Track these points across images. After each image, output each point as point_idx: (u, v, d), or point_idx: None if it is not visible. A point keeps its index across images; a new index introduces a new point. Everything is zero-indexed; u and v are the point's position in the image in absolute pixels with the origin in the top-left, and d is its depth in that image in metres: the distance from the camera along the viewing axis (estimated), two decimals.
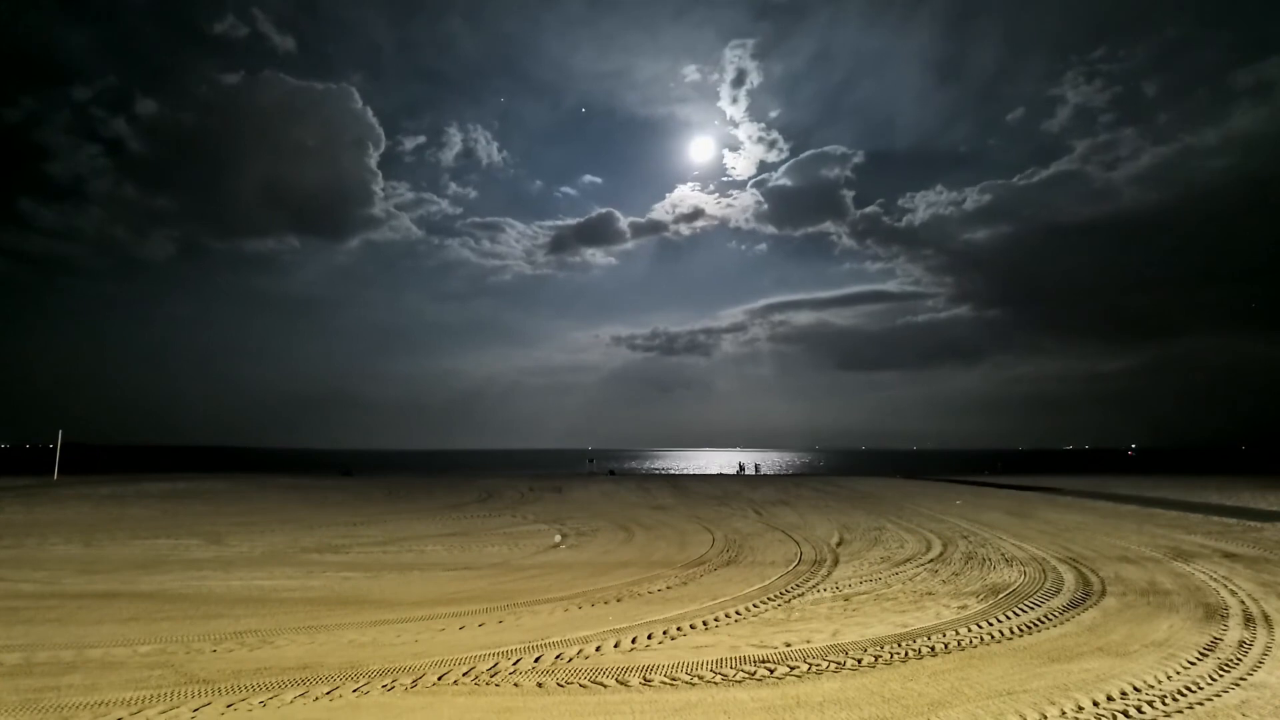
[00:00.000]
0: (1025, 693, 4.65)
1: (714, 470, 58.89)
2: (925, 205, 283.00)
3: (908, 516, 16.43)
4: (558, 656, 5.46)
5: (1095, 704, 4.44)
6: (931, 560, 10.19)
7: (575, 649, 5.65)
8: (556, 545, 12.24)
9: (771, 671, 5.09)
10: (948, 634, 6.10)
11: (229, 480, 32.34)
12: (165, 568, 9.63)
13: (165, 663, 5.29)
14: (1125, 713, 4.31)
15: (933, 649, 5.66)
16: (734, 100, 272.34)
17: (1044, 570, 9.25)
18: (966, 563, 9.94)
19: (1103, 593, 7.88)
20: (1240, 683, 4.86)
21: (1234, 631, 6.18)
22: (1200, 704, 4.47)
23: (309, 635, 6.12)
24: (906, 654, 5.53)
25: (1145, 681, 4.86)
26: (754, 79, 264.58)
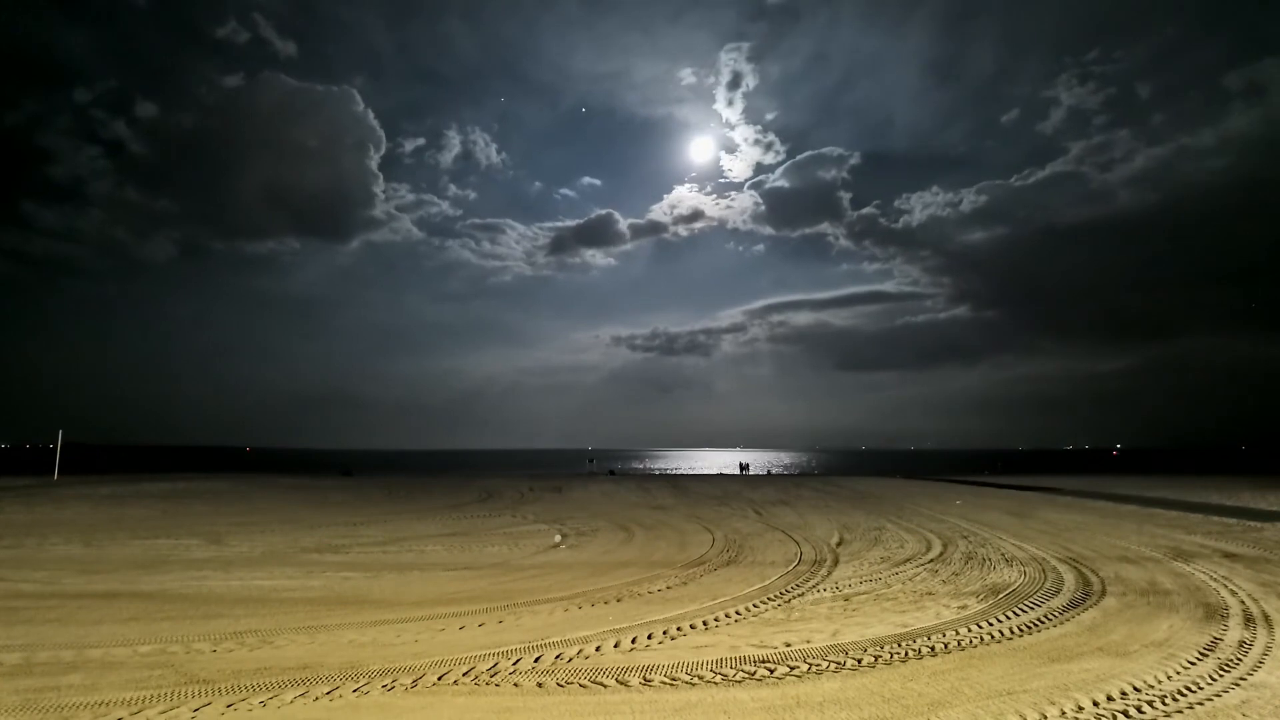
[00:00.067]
0: (1025, 693, 4.65)
1: (714, 470, 58.88)
2: (921, 206, 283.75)
3: (907, 516, 16.43)
4: (558, 656, 5.46)
5: (1095, 704, 4.44)
6: (931, 560, 10.19)
7: (575, 649, 5.65)
8: (556, 545, 12.24)
9: (771, 671, 5.09)
10: (948, 634, 6.10)
11: (229, 480, 32.34)
12: (165, 568, 9.62)
13: (165, 663, 5.29)
14: (1125, 713, 4.31)
15: (933, 649, 5.66)
16: (730, 103, 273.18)
17: (1044, 570, 9.25)
18: (966, 563, 9.94)
19: (1103, 593, 7.88)
20: (1240, 683, 4.86)
21: (1234, 631, 6.18)
22: (1200, 704, 4.47)
23: (309, 635, 6.11)
24: (906, 654, 5.53)
25: (1145, 681, 4.86)
26: (750, 81, 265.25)
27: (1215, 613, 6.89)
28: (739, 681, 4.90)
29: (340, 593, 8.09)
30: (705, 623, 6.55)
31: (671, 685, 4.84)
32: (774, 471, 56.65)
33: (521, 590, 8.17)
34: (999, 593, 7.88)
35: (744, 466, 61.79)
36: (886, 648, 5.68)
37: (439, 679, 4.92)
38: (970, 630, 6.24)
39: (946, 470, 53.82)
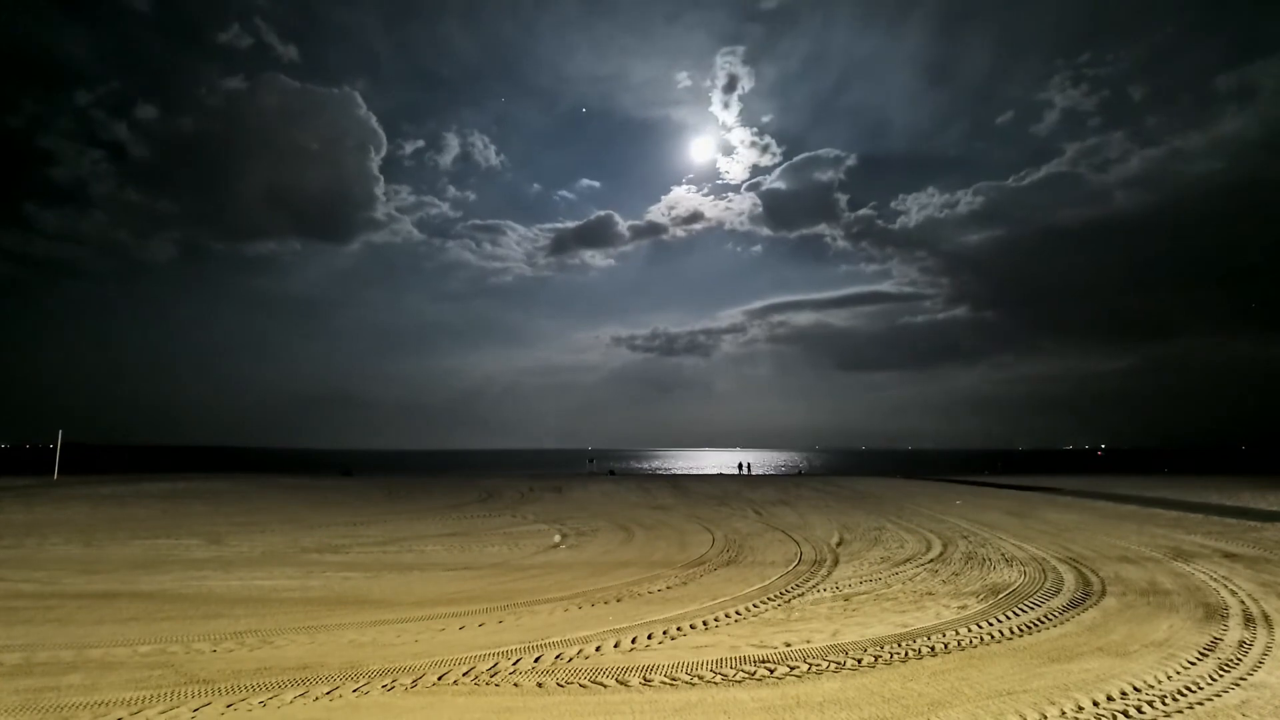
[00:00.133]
0: (1025, 693, 4.65)
1: (714, 470, 58.87)
2: (918, 208, 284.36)
3: (908, 516, 16.43)
4: (558, 656, 5.46)
5: (1095, 704, 4.44)
6: (931, 560, 10.19)
7: (575, 649, 5.65)
8: (556, 545, 12.23)
9: (771, 671, 5.08)
10: (948, 634, 6.10)
11: (229, 480, 32.34)
12: (165, 568, 9.62)
13: (165, 663, 5.29)
14: (1125, 713, 4.31)
15: (933, 649, 5.66)
16: (726, 106, 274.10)
17: (1044, 570, 9.25)
18: (966, 563, 9.94)
19: (1103, 593, 7.88)
20: (1240, 683, 4.86)
21: (1234, 631, 6.18)
22: (1200, 704, 4.47)
23: (309, 635, 6.11)
24: (906, 654, 5.53)
25: (1145, 681, 4.86)
26: (745, 84, 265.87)
27: (1215, 613, 6.89)
28: (739, 681, 4.90)
29: (340, 593, 8.09)
30: (705, 623, 6.55)
31: (671, 685, 4.84)
32: (754, 469, 56.66)
33: (521, 590, 8.17)
34: (999, 593, 7.88)
35: (745, 466, 61.74)
36: (886, 648, 5.68)
37: (439, 679, 4.92)
38: (970, 630, 6.24)
39: (946, 470, 53.82)
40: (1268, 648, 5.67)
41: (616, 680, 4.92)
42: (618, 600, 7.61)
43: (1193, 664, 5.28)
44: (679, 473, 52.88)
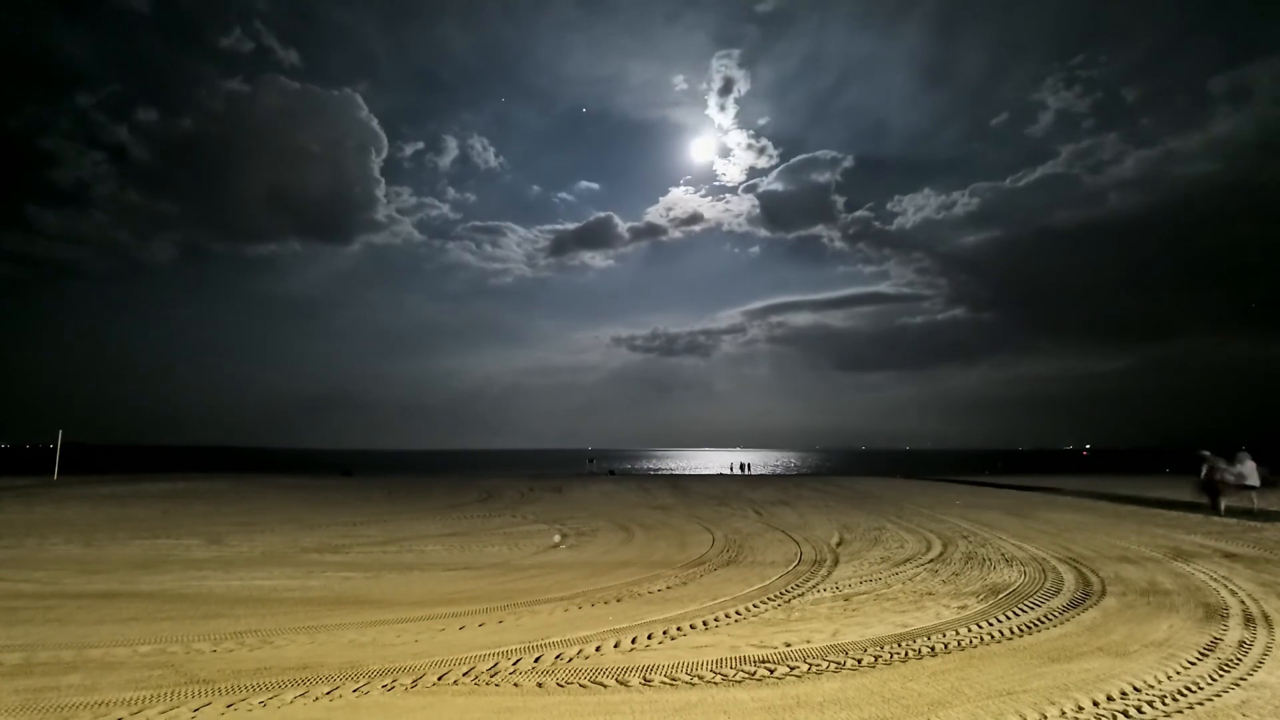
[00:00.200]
0: (1025, 693, 4.65)
1: (714, 470, 58.87)
2: (914, 209, 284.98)
3: (908, 516, 16.43)
4: (558, 656, 5.45)
5: (1095, 704, 4.44)
6: (931, 560, 10.19)
7: (575, 649, 5.65)
8: (556, 545, 12.23)
9: (771, 671, 5.08)
10: (948, 634, 6.10)
11: (229, 480, 32.33)
12: (165, 568, 9.62)
13: (165, 663, 5.28)
14: (1125, 713, 4.31)
15: (933, 649, 5.66)
16: (722, 109, 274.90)
17: (1044, 570, 9.25)
18: (966, 563, 9.94)
19: (1103, 593, 7.88)
20: (1240, 683, 4.86)
21: (1234, 631, 6.18)
22: (1200, 704, 4.47)
23: (309, 635, 6.11)
24: (906, 654, 5.53)
25: (1145, 681, 4.86)
26: (741, 87, 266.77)
27: (1215, 613, 6.89)
28: (739, 681, 4.89)
29: (340, 593, 8.09)
30: (705, 623, 6.55)
31: (671, 685, 4.84)
32: (753, 469, 56.65)
33: (521, 590, 8.17)
34: (999, 593, 7.88)
35: (745, 466, 61.72)
36: (886, 648, 5.68)
37: (439, 679, 4.92)
38: (970, 630, 6.24)
39: (946, 470, 53.81)
40: (1268, 648, 5.66)
41: (616, 680, 4.92)
42: (618, 600, 7.61)
43: (1193, 664, 5.27)
44: (679, 473, 52.88)
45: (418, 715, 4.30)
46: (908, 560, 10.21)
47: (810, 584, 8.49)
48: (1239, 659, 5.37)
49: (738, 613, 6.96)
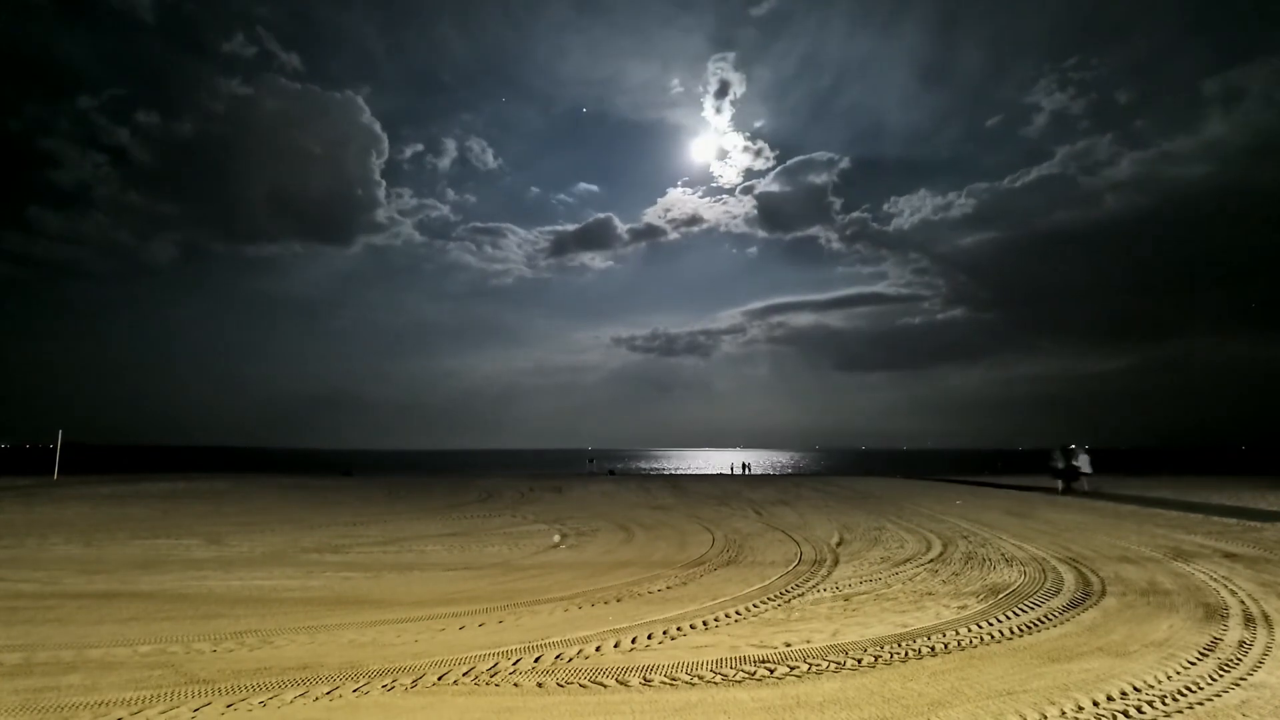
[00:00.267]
0: (1025, 693, 4.65)
1: (713, 470, 58.87)
2: (910, 210, 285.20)
3: (908, 516, 16.43)
4: (558, 656, 5.45)
5: (1095, 704, 4.44)
6: (931, 560, 10.19)
7: (575, 649, 5.65)
8: (556, 545, 12.23)
9: (771, 671, 5.08)
10: (948, 634, 6.10)
11: (230, 480, 32.33)
12: (165, 568, 9.62)
13: (165, 663, 5.28)
14: (1125, 713, 4.31)
15: (933, 649, 5.66)
16: (718, 111, 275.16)
17: (1044, 570, 9.25)
18: (966, 563, 9.94)
19: (1103, 593, 7.88)
20: (1240, 683, 4.86)
21: (1234, 631, 6.18)
22: (1200, 704, 4.47)
23: (309, 635, 6.11)
24: (906, 654, 5.53)
25: (1145, 681, 4.86)
26: (737, 90, 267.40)
27: (1215, 613, 6.89)
28: (739, 681, 4.89)
29: (340, 593, 8.09)
30: (705, 623, 6.55)
31: (671, 685, 4.83)
32: (753, 469, 56.64)
33: (521, 590, 8.17)
34: (999, 593, 7.88)
35: (745, 466, 61.73)
36: (886, 648, 5.68)
37: (439, 679, 4.92)
38: (970, 630, 6.24)
39: (946, 470, 53.80)
40: (1268, 648, 5.66)
41: (616, 680, 4.91)
42: (618, 600, 7.61)
43: (1193, 664, 5.27)
44: (679, 473, 52.88)
45: (418, 715, 4.30)
46: (908, 560, 10.21)
47: (810, 584, 8.49)
48: (1239, 659, 5.37)
49: (738, 613, 6.96)
